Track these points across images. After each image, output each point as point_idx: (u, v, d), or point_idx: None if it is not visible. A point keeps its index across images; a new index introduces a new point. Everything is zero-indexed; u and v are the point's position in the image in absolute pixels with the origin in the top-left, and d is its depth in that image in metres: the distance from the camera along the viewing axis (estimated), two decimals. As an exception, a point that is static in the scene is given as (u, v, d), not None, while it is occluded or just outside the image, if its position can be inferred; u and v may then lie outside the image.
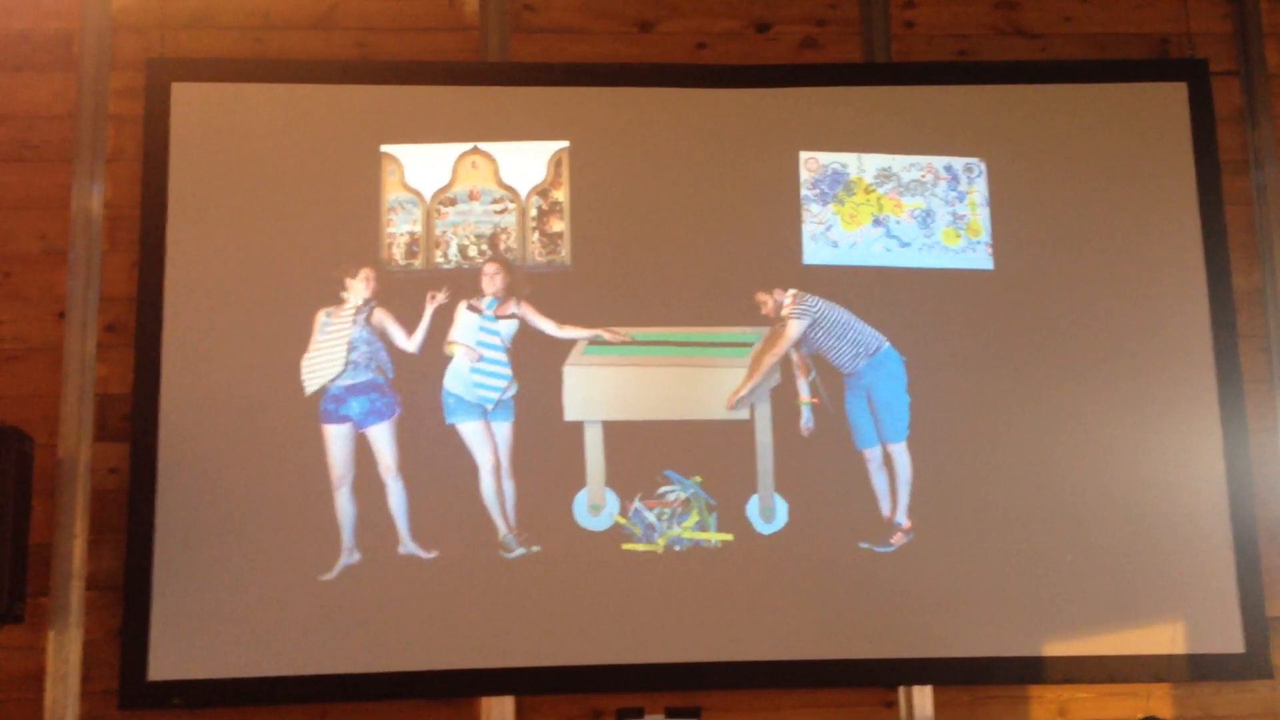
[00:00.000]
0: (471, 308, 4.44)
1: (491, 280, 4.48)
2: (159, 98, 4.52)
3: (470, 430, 4.41)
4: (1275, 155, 4.72)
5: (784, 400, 4.48)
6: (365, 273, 4.47)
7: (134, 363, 4.37)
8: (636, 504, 4.39)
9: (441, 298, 4.47)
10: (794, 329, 4.48)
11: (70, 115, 4.54)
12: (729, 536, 4.39)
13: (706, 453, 4.43)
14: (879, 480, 4.45)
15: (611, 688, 4.30)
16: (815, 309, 4.48)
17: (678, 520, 4.38)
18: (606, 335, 4.48)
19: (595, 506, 4.38)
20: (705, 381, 4.45)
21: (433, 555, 4.33)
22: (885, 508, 4.43)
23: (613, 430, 4.42)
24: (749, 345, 4.48)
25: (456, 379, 4.43)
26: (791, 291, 4.50)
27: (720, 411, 4.45)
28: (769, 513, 4.40)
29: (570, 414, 4.43)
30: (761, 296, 4.51)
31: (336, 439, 4.38)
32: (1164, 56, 4.81)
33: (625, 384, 4.44)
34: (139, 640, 4.20)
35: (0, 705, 4.20)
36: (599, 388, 4.44)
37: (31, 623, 4.18)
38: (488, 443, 4.40)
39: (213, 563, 4.27)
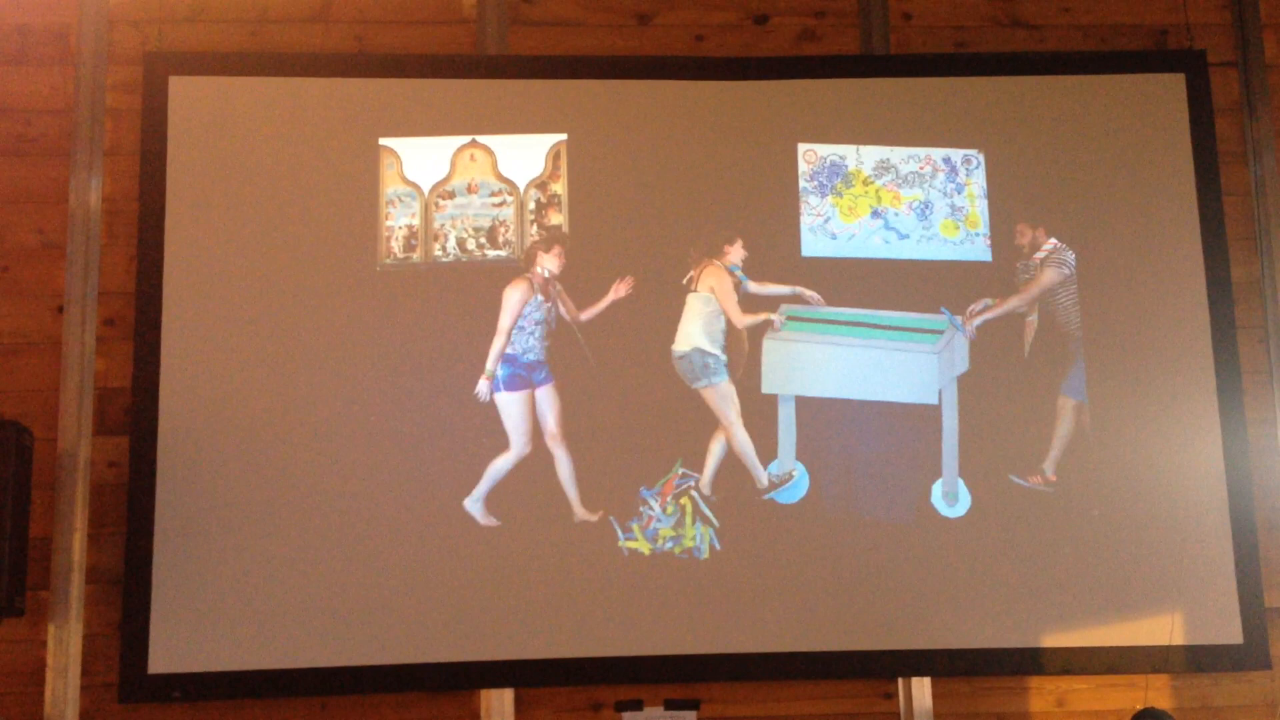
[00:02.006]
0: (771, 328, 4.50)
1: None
2: (157, 91, 4.52)
3: (718, 393, 4.45)
4: (1273, 146, 4.72)
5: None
6: (557, 249, 4.48)
7: (133, 356, 4.38)
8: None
9: (624, 289, 4.49)
10: (1050, 276, 4.53)
11: (68, 109, 4.54)
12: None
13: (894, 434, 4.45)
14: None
15: (611, 680, 4.30)
16: (1071, 264, 4.52)
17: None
18: (806, 294, 4.51)
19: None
20: (893, 364, 4.46)
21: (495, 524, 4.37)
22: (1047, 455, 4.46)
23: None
24: (938, 332, 4.48)
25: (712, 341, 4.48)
26: (1054, 240, 4.55)
27: (905, 395, 4.45)
28: (952, 496, 4.43)
29: (768, 386, 4.45)
30: (1023, 228, 4.55)
31: (516, 404, 4.41)
32: (1162, 47, 4.81)
33: (821, 361, 4.47)
34: (139, 633, 4.21)
35: (1, 699, 4.21)
36: (797, 363, 4.46)
37: (32, 616, 4.19)
38: (734, 402, 4.44)
39: (212, 556, 4.28)
